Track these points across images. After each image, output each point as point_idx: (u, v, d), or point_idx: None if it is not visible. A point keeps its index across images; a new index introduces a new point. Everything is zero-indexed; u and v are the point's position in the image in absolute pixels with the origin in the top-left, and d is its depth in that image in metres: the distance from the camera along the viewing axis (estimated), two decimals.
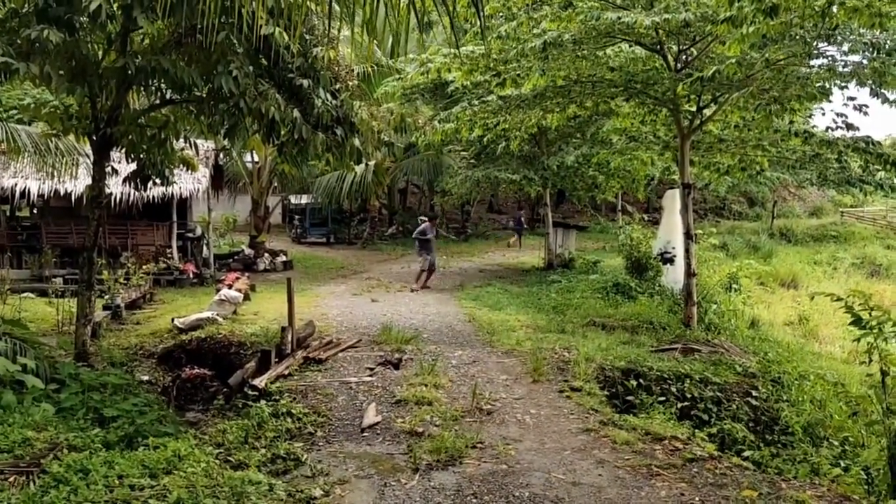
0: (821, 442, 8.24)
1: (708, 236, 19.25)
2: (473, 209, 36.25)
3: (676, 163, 13.26)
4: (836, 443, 7.84)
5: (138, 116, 9.11)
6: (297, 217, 29.77)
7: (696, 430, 7.37)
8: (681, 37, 11.06)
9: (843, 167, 12.62)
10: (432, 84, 17.20)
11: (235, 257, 20.69)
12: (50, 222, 17.53)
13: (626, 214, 31.94)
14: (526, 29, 10.62)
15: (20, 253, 16.99)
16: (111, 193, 14.67)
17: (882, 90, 10.01)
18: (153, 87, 8.79)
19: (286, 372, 8.43)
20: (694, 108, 11.95)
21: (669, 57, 11.46)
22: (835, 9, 7.60)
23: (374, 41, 5.59)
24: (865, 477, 6.07)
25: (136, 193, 13.89)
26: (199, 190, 17.40)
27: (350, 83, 9.74)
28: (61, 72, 7.66)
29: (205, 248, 19.20)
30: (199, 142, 11.37)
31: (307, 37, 8.63)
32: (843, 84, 10.70)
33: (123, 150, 9.35)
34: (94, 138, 9.00)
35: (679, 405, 8.47)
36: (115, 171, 9.57)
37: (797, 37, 9.89)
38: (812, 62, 10.97)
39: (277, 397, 7.44)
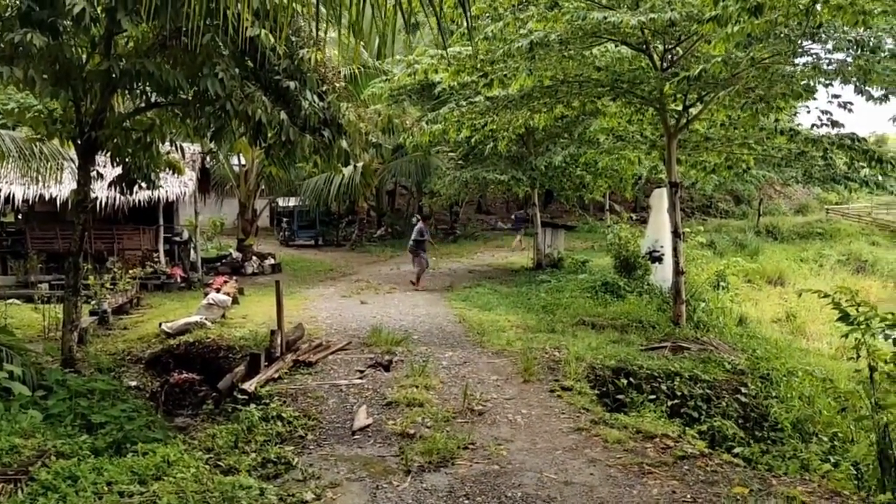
0: (810, 438, 8.29)
1: (695, 234, 19.31)
2: (462, 210, 36.25)
3: (663, 162, 13.31)
4: (825, 438, 7.89)
5: (123, 120, 9.04)
6: (284, 220, 29.65)
7: (687, 428, 7.40)
8: (666, 36, 11.10)
9: (828, 164, 12.71)
10: (419, 85, 17.17)
11: (223, 261, 20.57)
12: (35, 227, 17.36)
13: (613, 214, 31.98)
14: (512, 29, 10.63)
15: (5, 259, 16.82)
16: (96, 198, 14.53)
17: (866, 87, 10.08)
18: (138, 91, 8.74)
19: (276, 375, 8.39)
20: (680, 107, 12.00)
21: (655, 56, 11.51)
22: (819, 7, 7.65)
23: (361, 43, 5.58)
24: (855, 472, 6.11)
25: (122, 197, 13.77)
26: (185, 193, 17.31)
27: (337, 85, 9.72)
28: (45, 75, 7.59)
29: (192, 251, 19.09)
30: (185, 145, 11.27)
31: (293, 38, 8.61)
32: (828, 82, 10.79)
33: (108, 154, 9.27)
34: (79, 142, 8.93)
35: (669, 403, 8.51)
36: (100, 176, 9.49)
37: (782, 35, 9.95)
38: (797, 60, 11.04)
39: (267, 401, 7.41)
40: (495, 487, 5.33)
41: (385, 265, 22.71)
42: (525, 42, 10.09)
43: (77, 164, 9.29)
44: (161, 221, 18.05)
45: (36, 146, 11.59)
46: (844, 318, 6.10)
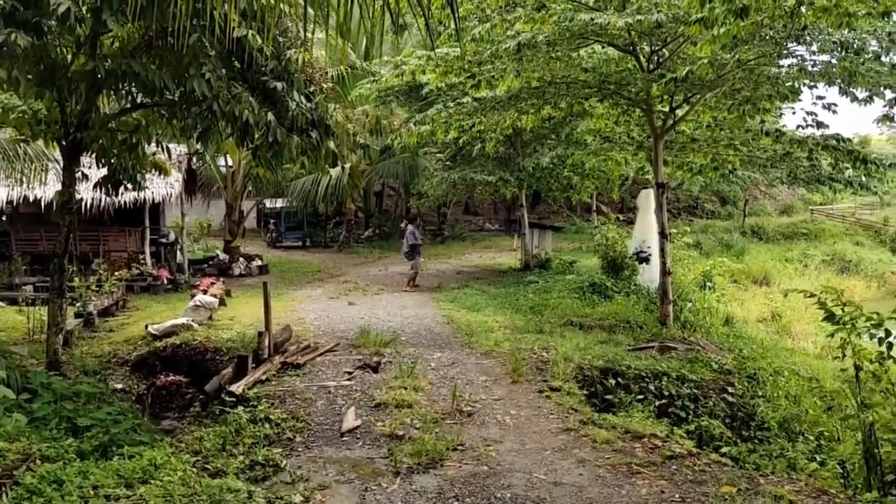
0: (796, 437, 8.36)
1: (682, 235, 19.43)
2: (450, 211, 36.25)
3: (650, 163, 13.38)
4: (811, 437, 7.96)
5: (109, 121, 8.97)
6: (272, 221, 29.53)
7: (675, 428, 7.43)
8: (653, 38, 11.17)
9: (813, 165, 12.82)
10: (407, 86, 17.20)
11: (210, 262, 20.46)
12: (19, 229, 17.18)
13: (600, 215, 32.15)
14: (500, 30, 10.65)
15: None
16: (82, 199, 14.43)
17: (851, 89, 10.18)
18: (124, 91, 8.66)
19: (264, 377, 8.35)
20: (667, 109, 12.07)
21: (642, 58, 11.57)
22: (804, 9, 7.71)
23: (349, 44, 5.57)
24: (841, 471, 6.16)
25: (108, 199, 13.67)
26: (171, 195, 17.20)
27: (324, 85, 9.69)
28: (30, 76, 7.51)
29: (178, 253, 18.97)
30: (171, 146, 11.21)
31: (280, 39, 8.57)
32: (813, 84, 10.88)
33: (94, 155, 9.19)
34: (64, 143, 8.85)
35: (657, 403, 8.55)
36: (85, 177, 9.41)
37: (767, 37, 10.04)
38: (782, 62, 11.14)
39: (255, 403, 7.37)
40: (485, 488, 5.33)
41: (373, 266, 22.68)
42: (513, 43, 10.11)
43: (62, 165, 9.20)
44: (147, 223, 17.92)
45: (20, 147, 11.48)
46: (830, 317, 6.14)
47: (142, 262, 17.31)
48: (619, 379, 8.96)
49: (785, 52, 10.75)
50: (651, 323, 12.11)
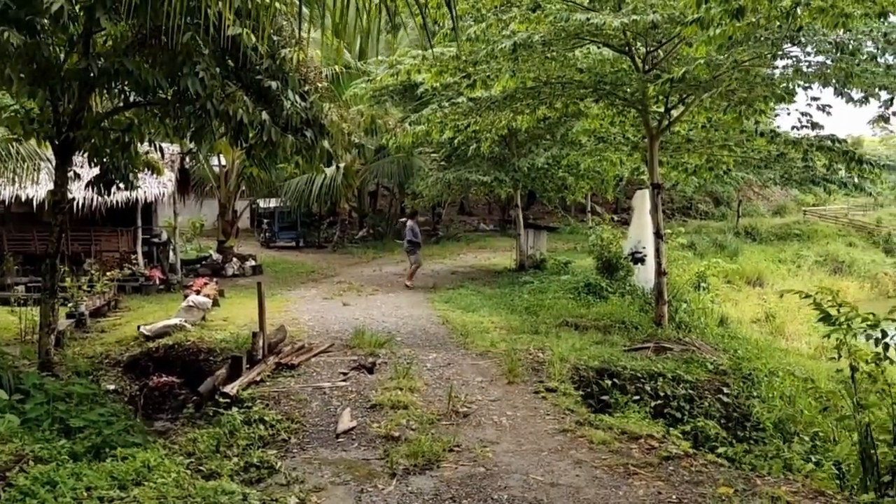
0: (791, 437, 8.35)
1: (676, 236, 19.48)
2: (445, 211, 36.22)
3: (645, 163, 13.39)
4: (806, 438, 7.95)
5: (101, 120, 8.90)
6: (265, 221, 29.43)
7: (671, 428, 7.42)
8: (648, 38, 11.17)
9: (808, 166, 12.85)
10: (402, 86, 17.17)
11: (203, 262, 20.36)
12: (11, 229, 17.06)
13: (595, 215, 32.21)
14: (495, 30, 10.63)
15: None
16: (73, 199, 14.16)
17: (847, 89, 10.20)
18: (116, 90, 8.59)
19: (258, 378, 8.30)
20: (662, 110, 12.06)
21: (637, 58, 11.56)
22: (799, 10, 7.72)
23: (344, 43, 5.53)
24: (837, 472, 6.15)
25: (100, 198, 13.60)
26: (164, 194, 17.12)
27: (319, 85, 9.64)
28: (22, 75, 7.45)
29: (171, 253, 18.87)
30: (164, 145, 11.11)
31: (275, 38, 8.51)
32: (808, 85, 10.90)
33: (86, 155, 9.11)
34: (56, 142, 8.77)
35: (653, 404, 8.55)
36: (77, 176, 9.32)
37: (762, 38, 10.05)
38: (777, 63, 11.17)
39: (249, 404, 7.31)
40: (481, 490, 5.30)
41: (367, 266, 22.62)
42: (508, 43, 10.09)
43: (54, 164, 9.13)
44: (139, 223, 17.83)
45: (12, 146, 11.38)
46: (826, 318, 6.14)
47: (134, 262, 17.20)
48: (615, 379, 8.95)
49: (780, 53, 10.77)
50: (646, 323, 12.11)
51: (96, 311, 13.43)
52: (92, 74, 7.50)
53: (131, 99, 8.87)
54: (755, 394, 9.65)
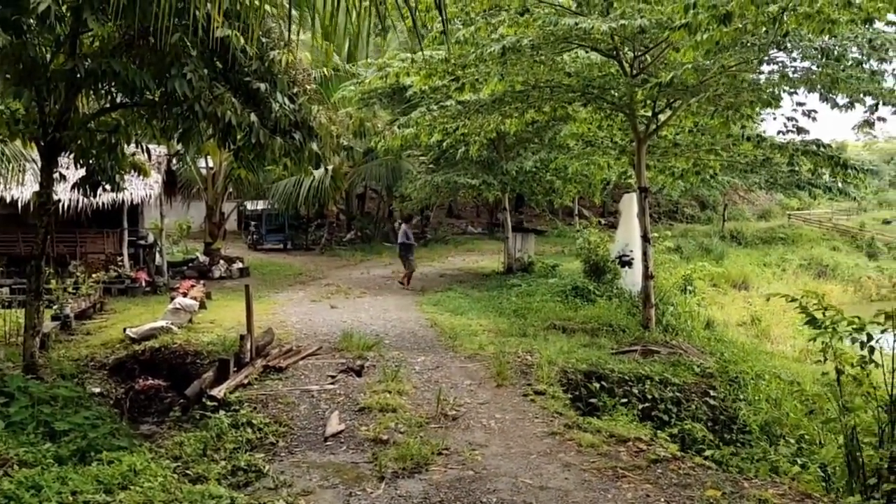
0: (777, 440, 8.42)
1: (663, 239, 19.56)
2: (433, 214, 36.21)
3: (633, 167, 13.44)
4: (792, 441, 8.01)
5: (88, 121, 8.83)
6: (253, 223, 29.29)
7: (658, 431, 7.45)
8: (636, 43, 11.22)
9: (793, 170, 12.94)
10: (390, 88, 17.16)
11: (190, 265, 20.24)
12: None
13: (582, 218, 32.36)
14: (484, 34, 10.65)
15: None
16: (59, 200, 14.16)
17: (832, 95, 10.29)
18: (103, 91, 8.53)
19: (246, 381, 8.25)
20: (650, 114, 12.12)
21: (625, 63, 11.62)
22: (786, 16, 7.78)
23: (333, 45, 5.53)
24: (823, 474, 6.20)
25: (86, 200, 13.48)
26: (151, 196, 17.01)
27: (308, 87, 9.61)
28: (8, 75, 7.40)
29: (157, 255, 18.75)
30: (151, 146, 11.05)
31: (264, 40, 8.49)
32: (793, 90, 10.99)
33: (72, 156, 9.04)
34: (42, 143, 8.70)
35: (641, 406, 8.58)
36: (63, 178, 9.25)
37: (749, 44, 10.12)
38: (763, 68, 11.25)
39: (237, 407, 7.28)
40: (470, 493, 5.30)
41: (355, 269, 22.58)
42: (497, 47, 10.11)
43: (40, 165, 9.05)
44: (125, 224, 17.70)
45: None
46: (812, 321, 6.19)
47: (120, 264, 17.08)
48: (603, 382, 8.98)
49: (766, 58, 10.85)
50: (633, 326, 12.15)
51: (82, 314, 13.31)
52: (79, 75, 7.44)
53: (118, 100, 8.80)
54: (742, 396, 9.72)
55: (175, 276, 18.67)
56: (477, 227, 37.97)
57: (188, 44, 7.36)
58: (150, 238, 19.10)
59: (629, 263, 15.52)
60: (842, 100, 10.36)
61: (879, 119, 10.76)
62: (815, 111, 11.27)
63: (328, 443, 6.44)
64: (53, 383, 7.97)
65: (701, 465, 6.12)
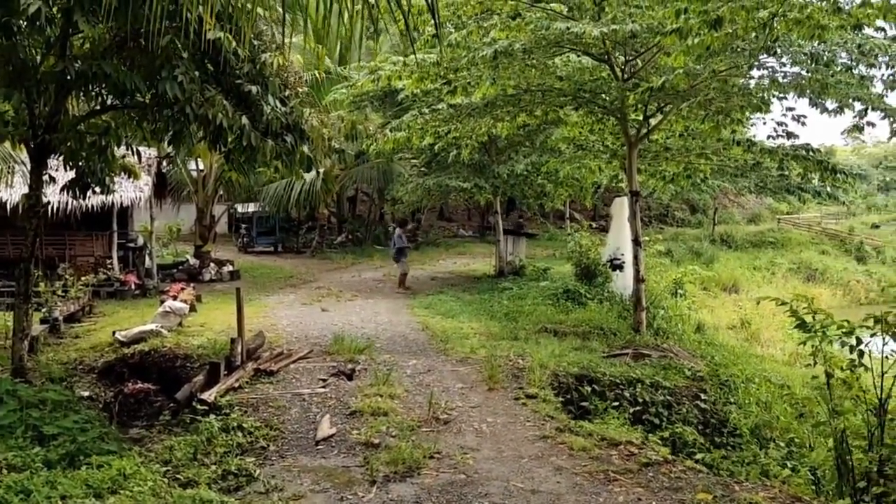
0: (768, 443, 8.45)
1: (654, 243, 19.64)
2: (424, 217, 36.20)
3: (624, 171, 13.49)
4: (782, 444, 8.05)
5: (78, 123, 8.79)
6: (243, 226, 29.20)
7: (650, 435, 7.46)
8: (627, 47, 11.27)
9: (783, 175, 13.02)
10: (382, 91, 17.13)
11: (180, 267, 20.15)
12: None
13: (574, 222, 32.37)
14: (476, 38, 10.67)
15: None
16: (48, 202, 14.11)
17: (821, 100, 10.37)
18: (93, 93, 8.49)
19: (236, 385, 8.22)
20: (641, 118, 12.17)
21: (616, 67, 11.66)
22: (776, 21, 7.83)
23: (325, 48, 5.52)
24: (813, 478, 6.22)
25: (75, 202, 13.42)
26: (141, 198, 16.93)
27: (299, 90, 9.60)
28: None
29: (147, 258, 18.65)
30: (141, 149, 11.00)
31: (256, 42, 8.48)
32: (783, 95, 11.07)
33: (62, 158, 9.00)
34: (32, 145, 8.65)
35: (632, 410, 8.59)
36: (52, 180, 9.20)
37: (739, 49, 10.18)
38: (754, 73, 11.33)
39: (227, 411, 7.24)
40: (462, 497, 5.29)
41: (346, 272, 22.53)
42: (489, 51, 10.13)
43: (29, 167, 9.00)
44: (115, 227, 17.61)
45: None
46: (802, 325, 6.22)
47: (109, 266, 16.98)
48: (595, 386, 8.99)
49: (757, 63, 10.92)
50: (625, 330, 12.18)
51: (70, 317, 13.22)
52: (69, 77, 7.41)
53: (108, 102, 8.78)
54: (732, 400, 9.75)
55: (165, 278, 18.59)
56: (468, 230, 38.00)
57: (179, 46, 7.35)
58: (140, 241, 19.00)
59: (620, 267, 15.56)
60: (831, 105, 10.45)
61: (868, 124, 10.83)
62: (805, 116, 11.37)
63: (319, 447, 6.42)
64: (42, 387, 7.91)
65: (692, 468, 6.13)
